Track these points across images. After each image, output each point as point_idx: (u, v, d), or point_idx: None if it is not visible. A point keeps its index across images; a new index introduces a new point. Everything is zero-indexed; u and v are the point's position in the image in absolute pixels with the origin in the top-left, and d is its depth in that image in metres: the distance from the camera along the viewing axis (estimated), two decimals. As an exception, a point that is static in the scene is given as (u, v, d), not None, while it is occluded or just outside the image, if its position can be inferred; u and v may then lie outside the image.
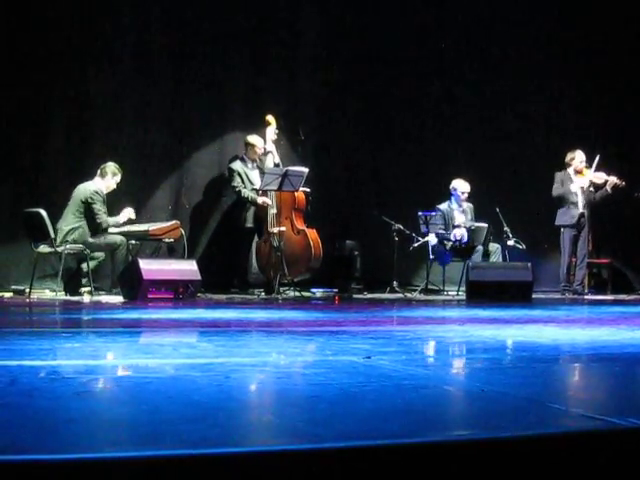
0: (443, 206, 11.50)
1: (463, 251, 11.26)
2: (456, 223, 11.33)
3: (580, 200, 11.54)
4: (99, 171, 10.08)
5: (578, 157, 11.58)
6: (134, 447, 2.13)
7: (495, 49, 12.66)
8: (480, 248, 11.16)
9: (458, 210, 11.59)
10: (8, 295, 10.02)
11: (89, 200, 9.85)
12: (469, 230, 11.21)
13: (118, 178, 10.15)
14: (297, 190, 10.52)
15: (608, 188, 11.51)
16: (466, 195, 11.59)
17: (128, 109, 11.23)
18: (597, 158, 11.40)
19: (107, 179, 10.07)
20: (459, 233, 11.14)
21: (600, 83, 12.65)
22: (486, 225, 11.26)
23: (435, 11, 12.52)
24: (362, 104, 12.25)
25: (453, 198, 11.63)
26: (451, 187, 11.64)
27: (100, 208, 9.87)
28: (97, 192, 9.92)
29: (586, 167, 11.57)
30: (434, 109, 12.53)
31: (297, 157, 11.79)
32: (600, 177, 11.52)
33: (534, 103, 12.75)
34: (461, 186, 11.59)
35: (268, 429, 2.46)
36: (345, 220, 12.05)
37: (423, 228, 11.20)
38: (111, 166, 10.10)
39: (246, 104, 11.62)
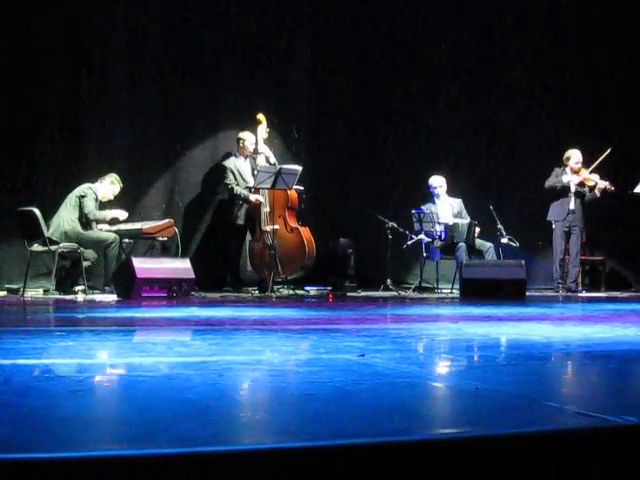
0: (427, 206, 11.51)
1: (447, 247, 11.28)
2: (440, 219, 11.34)
3: (572, 197, 11.55)
4: (100, 179, 10.21)
5: (573, 157, 11.58)
6: (128, 446, 2.13)
7: (491, 48, 12.66)
8: (462, 245, 11.15)
9: (441, 206, 11.60)
10: (2, 294, 10.01)
11: (81, 194, 9.93)
12: (446, 226, 11.23)
13: (116, 189, 10.22)
14: (291, 188, 10.52)
15: (597, 192, 11.52)
16: (442, 189, 11.61)
17: (122, 108, 11.21)
18: (606, 152, 11.35)
19: (104, 185, 10.14)
20: (438, 229, 11.18)
21: (598, 82, 12.66)
22: (466, 221, 11.27)
23: (430, 12, 12.51)
24: (356, 103, 12.25)
25: (433, 195, 11.67)
26: (428, 184, 11.69)
27: (90, 202, 9.91)
28: (91, 188, 10.03)
29: (583, 167, 11.57)
30: (428, 108, 12.53)
31: (290, 155, 11.79)
32: (592, 179, 11.52)
33: (530, 101, 12.75)
34: (434, 181, 11.67)
35: (262, 427, 2.45)
36: (339, 218, 12.05)
37: (416, 226, 11.20)
38: (112, 175, 10.24)
39: (239, 102, 11.61)
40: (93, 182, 10.18)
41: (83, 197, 9.94)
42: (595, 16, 12.70)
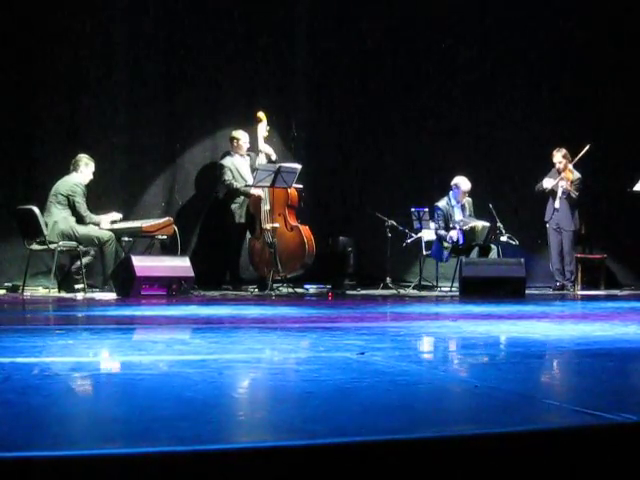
0: (442, 204, 11.37)
1: (461, 251, 11.24)
2: (457, 219, 11.29)
3: (558, 196, 11.57)
4: (71, 167, 10.05)
5: (554, 157, 11.62)
6: (127, 444, 2.13)
7: (490, 47, 12.65)
8: (477, 248, 11.13)
9: (457, 206, 11.52)
10: (1, 292, 10.01)
11: (69, 194, 9.86)
12: (463, 232, 11.16)
13: (92, 167, 10.12)
14: (290, 187, 10.52)
15: (569, 189, 11.52)
16: (467, 194, 11.52)
17: (121, 106, 11.20)
18: (585, 149, 11.37)
19: (81, 171, 10.04)
20: (454, 236, 11.12)
21: (596, 80, 12.65)
22: (481, 223, 11.22)
23: (430, 7, 12.50)
24: (355, 100, 12.25)
25: (452, 194, 11.51)
26: (452, 183, 11.49)
27: (80, 201, 9.87)
28: (76, 185, 9.91)
29: (567, 166, 11.56)
30: (428, 105, 12.52)
31: (289, 153, 11.79)
32: (566, 177, 11.53)
33: (529, 99, 12.75)
34: (463, 184, 11.44)
35: (261, 425, 2.46)
36: (338, 216, 12.05)
37: (416, 224, 11.20)
38: (82, 158, 10.08)
39: (238, 101, 11.61)
40: (69, 173, 10.05)
41: (72, 197, 9.84)
42: (596, 18, 12.69)
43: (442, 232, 11.17)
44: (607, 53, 12.63)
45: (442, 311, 8.27)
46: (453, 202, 11.49)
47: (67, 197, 9.87)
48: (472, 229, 11.16)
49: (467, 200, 11.61)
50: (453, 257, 11.34)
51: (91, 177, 10.11)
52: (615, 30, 12.63)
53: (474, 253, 11.10)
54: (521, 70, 12.73)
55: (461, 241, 11.13)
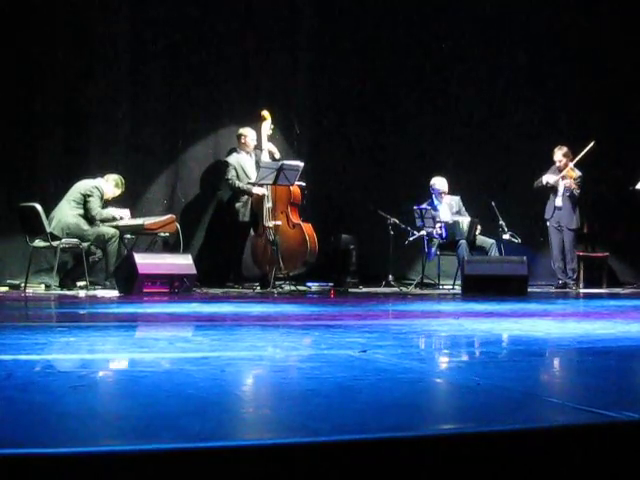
0: (424, 205, 11.49)
1: (448, 246, 11.31)
2: (441, 218, 11.34)
3: (559, 194, 11.57)
4: (105, 177, 10.18)
5: (555, 155, 11.62)
6: (130, 441, 2.13)
7: (491, 45, 12.64)
8: (463, 242, 11.15)
9: (440, 205, 11.60)
10: (3, 289, 10.01)
11: (87, 193, 9.93)
12: (446, 225, 11.22)
13: (117, 192, 10.24)
14: (292, 184, 10.52)
15: (573, 187, 11.51)
16: (444, 191, 11.61)
17: (123, 103, 11.20)
18: (589, 146, 11.36)
19: (109, 185, 10.14)
20: (437, 227, 11.18)
21: (597, 79, 12.64)
22: (467, 219, 11.28)
23: (433, 6, 12.49)
24: (358, 98, 12.25)
25: (433, 195, 11.67)
26: (430, 184, 11.67)
27: (96, 202, 9.92)
28: (97, 187, 10.00)
29: (568, 162, 11.56)
30: (430, 103, 12.51)
31: (292, 151, 11.78)
32: (568, 176, 11.52)
33: (531, 97, 12.74)
34: (438, 183, 11.65)
35: (264, 423, 2.45)
36: (341, 214, 12.05)
37: (418, 222, 11.21)
38: (116, 177, 10.21)
39: (241, 98, 11.62)
40: (95, 177, 10.16)
41: (89, 196, 9.92)
42: (596, 15, 12.69)
43: (429, 229, 11.19)
44: (608, 51, 12.62)
45: (444, 309, 8.27)
46: (436, 202, 11.58)
47: (84, 196, 9.91)
48: (454, 223, 11.22)
49: (453, 199, 11.69)
50: (442, 254, 11.41)
51: (109, 198, 10.18)
52: (616, 28, 12.62)
53: (463, 250, 11.08)
54: (522, 68, 12.72)
55: (444, 235, 11.19)
